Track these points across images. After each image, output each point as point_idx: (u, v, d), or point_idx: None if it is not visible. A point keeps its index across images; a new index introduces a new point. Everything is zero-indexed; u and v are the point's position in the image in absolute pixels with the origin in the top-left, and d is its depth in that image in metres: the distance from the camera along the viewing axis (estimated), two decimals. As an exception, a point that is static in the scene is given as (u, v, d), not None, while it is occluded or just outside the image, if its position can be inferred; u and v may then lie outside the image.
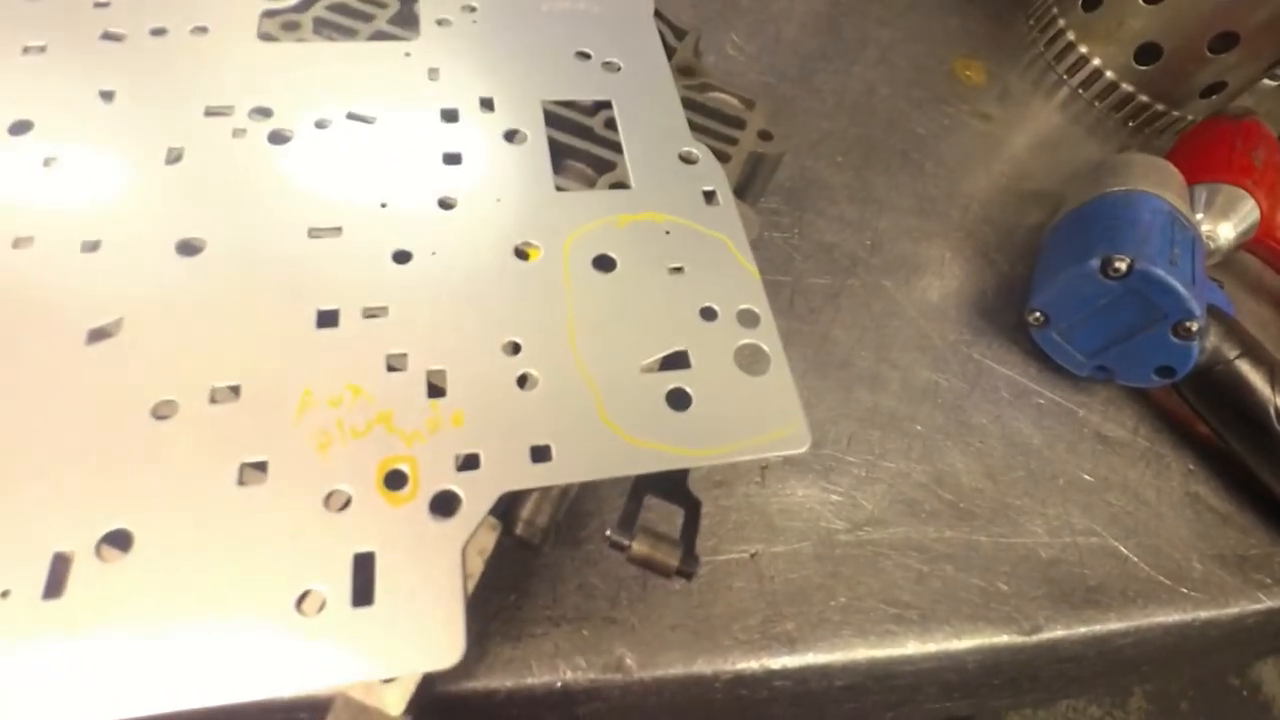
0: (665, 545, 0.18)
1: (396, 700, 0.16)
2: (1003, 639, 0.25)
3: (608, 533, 0.18)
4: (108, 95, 0.24)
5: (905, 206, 0.38)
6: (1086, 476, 0.31)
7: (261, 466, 0.18)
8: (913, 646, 0.24)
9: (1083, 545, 0.29)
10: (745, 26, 0.42)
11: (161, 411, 0.18)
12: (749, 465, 0.27)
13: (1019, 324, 0.35)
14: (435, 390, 0.19)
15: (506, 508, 0.19)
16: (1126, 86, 0.47)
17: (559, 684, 0.21)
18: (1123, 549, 0.29)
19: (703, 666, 0.22)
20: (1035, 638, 0.26)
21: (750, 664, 0.22)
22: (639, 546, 0.18)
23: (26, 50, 0.25)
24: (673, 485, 0.20)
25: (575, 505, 0.24)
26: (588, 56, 0.28)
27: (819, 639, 0.23)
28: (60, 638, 0.15)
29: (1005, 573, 0.27)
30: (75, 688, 0.15)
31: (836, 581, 0.25)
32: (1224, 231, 0.38)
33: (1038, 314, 0.33)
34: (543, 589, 0.22)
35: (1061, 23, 0.48)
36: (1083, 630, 0.27)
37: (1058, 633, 0.26)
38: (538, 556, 0.22)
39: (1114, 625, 0.27)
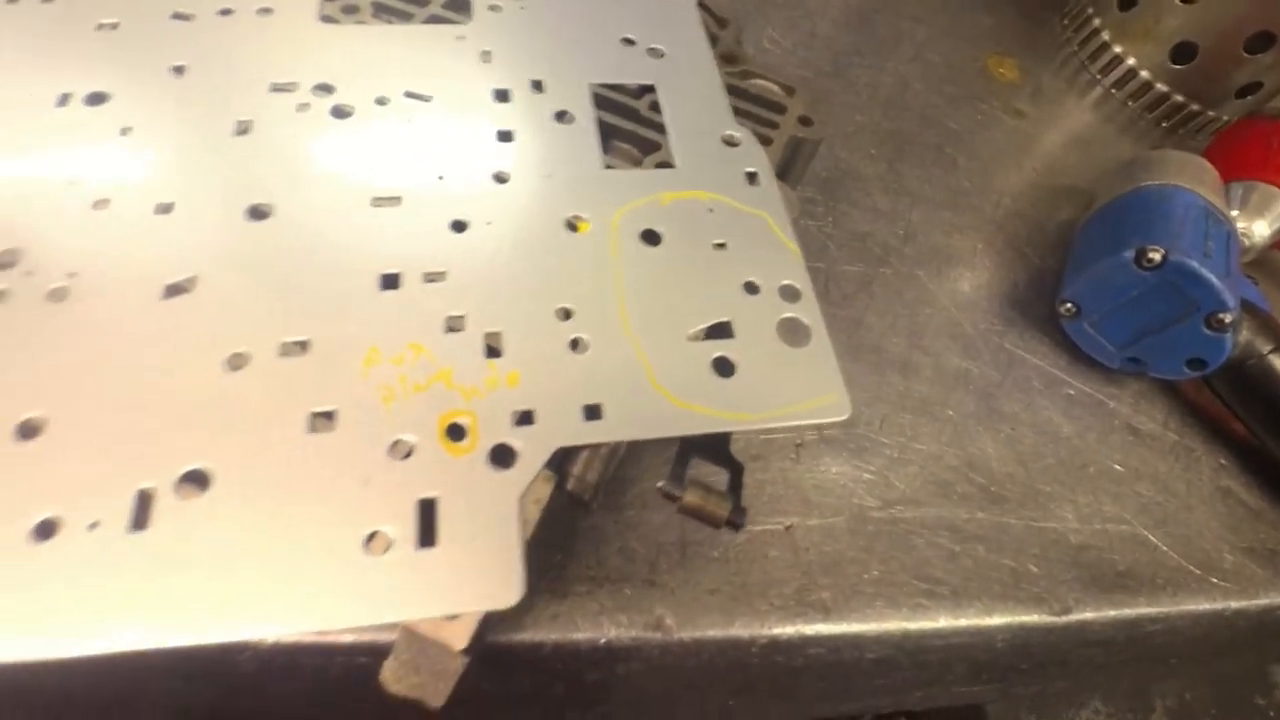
0: (715, 497, 0.19)
1: (460, 636, 0.16)
2: (1033, 618, 0.26)
3: (660, 484, 0.19)
4: (179, 70, 0.25)
5: (938, 199, 0.39)
6: (1117, 466, 0.32)
7: (330, 416, 0.19)
8: (945, 620, 0.25)
9: (1112, 532, 0.29)
10: (781, 21, 0.43)
11: (235, 363, 0.19)
12: (784, 441, 0.27)
13: (1050, 316, 0.35)
14: (492, 351, 0.20)
15: (559, 464, 0.19)
16: (1161, 86, 0.47)
17: (602, 640, 0.21)
18: (1152, 538, 0.30)
19: (740, 630, 0.22)
20: (1065, 618, 0.26)
21: (786, 629, 0.23)
22: (690, 497, 0.19)
23: (100, 27, 0.26)
24: (716, 449, 0.21)
25: (617, 472, 0.24)
26: (632, 43, 0.29)
27: (853, 609, 0.24)
28: (145, 567, 0.16)
29: (1035, 555, 0.27)
30: (158, 614, 0.16)
31: (870, 556, 0.25)
32: (1259, 229, 0.38)
33: (1070, 305, 0.33)
34: (586, 550, 0.23)
35: (1097, 22, 0.48)
36: (1112, 613, 0.27)
37: (1088, 614, 0.26)
38: (586, 515, 0.23)
39: (1144, 610, 0.27)
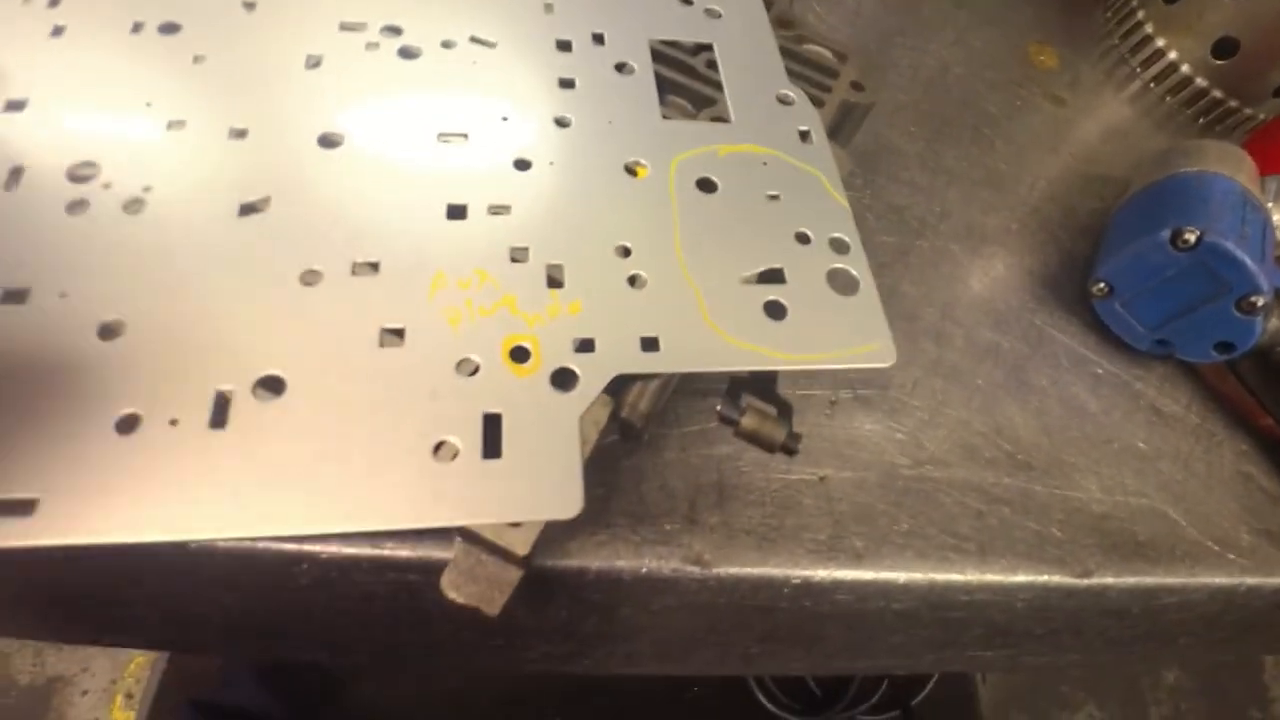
0: (771, 422, 0.19)
1: (523, 542, 0.17)
2: (1055, 579, 0.26)
3: (718, 408, 0.20)
4: (250, 5, 0.26)
5: (974, 179, 0.39)
6: (1140, 444, 0.32)
7: (399, 333, 0.19)
8: (971, 574, 0.25)
9: (1133, 505, 0.30)
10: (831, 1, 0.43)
11: (308, 279, 0.20)
12: (820, 397, 0.28)
13: (1079, 298, 0.36)
14: (553, 282, 0.21)
15: (614, 392, 0.20)
16: (1200, 81, 0.47)
17: (644, 570, 0.22)
18: (1172, 513, 0.30)
19: (774, 569, 0.23)
20: (1085, 581, 0.27)
21: (818, 572, 0.24)
22: (748, 421, 0.19)
23: (176, -40, 0.26)
24: (764, 386, 0.21)
25: (659, 413, 0.25)
26: (690, 2, 0.29)
27: (883, 557, 0.24)
28: (224, 462, 0.17)
29: (1059, 520, 0.28)
30: (235, 507, 0.17)
31: (899, 510, 0.26)
32: (1291, 224, 0.39)
33: (1102, 284, 0.34)
34: (628, 486, 0.24)
35: (1140, 14, 0.48)
36: (1131, 580, 0.27)
37: (1107, 579, 0.27)
38: (635, 445, 0.24)
39: (1162, 579, 0.28)
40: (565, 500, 0.17)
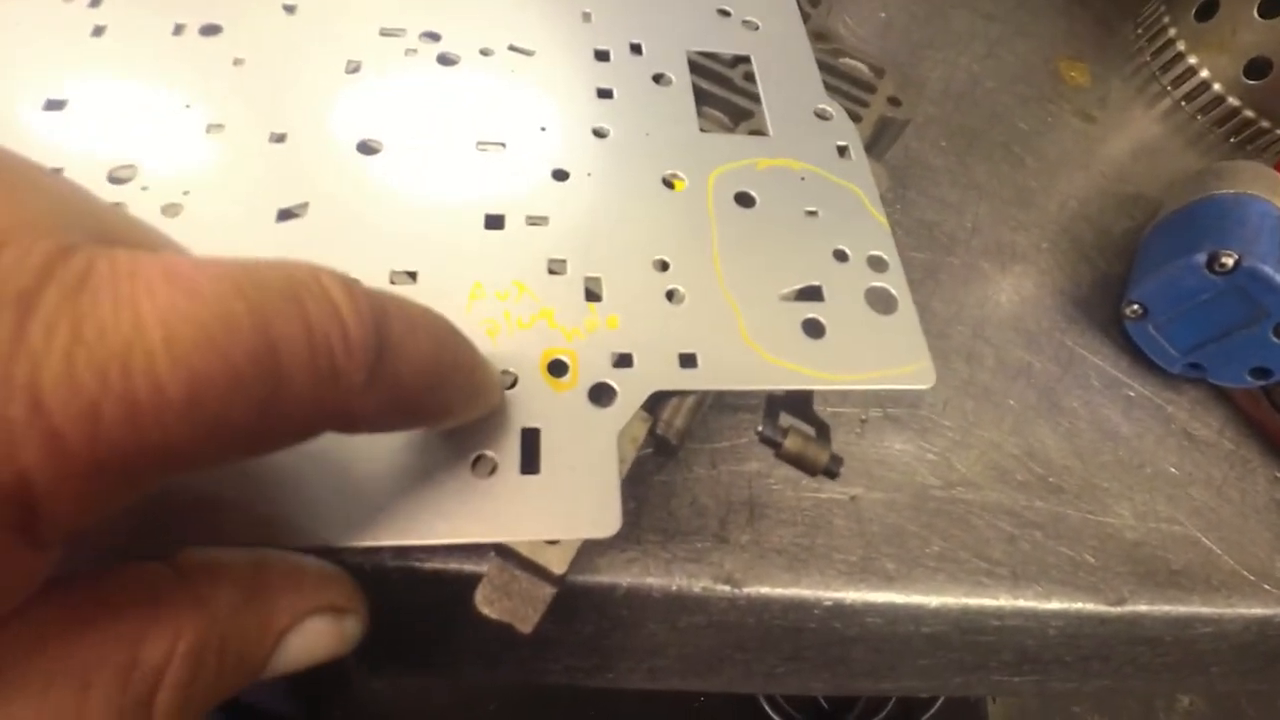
0: (814, 445, 0.19)
1: (560, 561, 0.17)
2: (1089, 606, 0.26)
3: (759, 429, 0.19)
4: (290, 9, 0.26)
5: (1005, 196, 0.39)
6: (1172, 469, 0.32)
7: (437, 344, 0.19)
8: (1004, 599, 0.25)
9: (1166, 532, 0.29)
10: (858, 10, 0.43)
11: (347, 287, 0.20)
12: (850, 416, 0.28)
13: (1112, 319, 0.35)
14: (591, 295, 0.21)
15: (650, 408, 0.20)
16: (1232, 100, 0.46)
17: (674, 588, 0.22)
18: (1205, 540, 0.30)
19: (805, 590, 0.23)
20: (1119, 609, 0.26)
21: (849, 594, 0.23)
22: (792, 443, 0.19)
23: (216, -38, 0.26)
24: (801, 406, 0.21)
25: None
26: (728, 14, 0.29)
27: (915, 580, 0.24)
28: (258, 473, 0.17)
29: (1092, 547, 0.28)
30: (273, 518, 0.17)
31: (931, 532, 0.26)
32: (1326, 248, 0.38)
33: (1136, 306, 0.33)
34: (659, 501, 0.23)
35: (1172, 31, 0.48)
36: (1166, 609, 0.27)
37: (1142, 608, 0.27)
38: (672, 458, 0.23)
39: (1198, 609, 0.27)
40: (603, 519, 0.17)
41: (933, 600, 0.24)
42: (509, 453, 0.18)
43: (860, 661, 0.27)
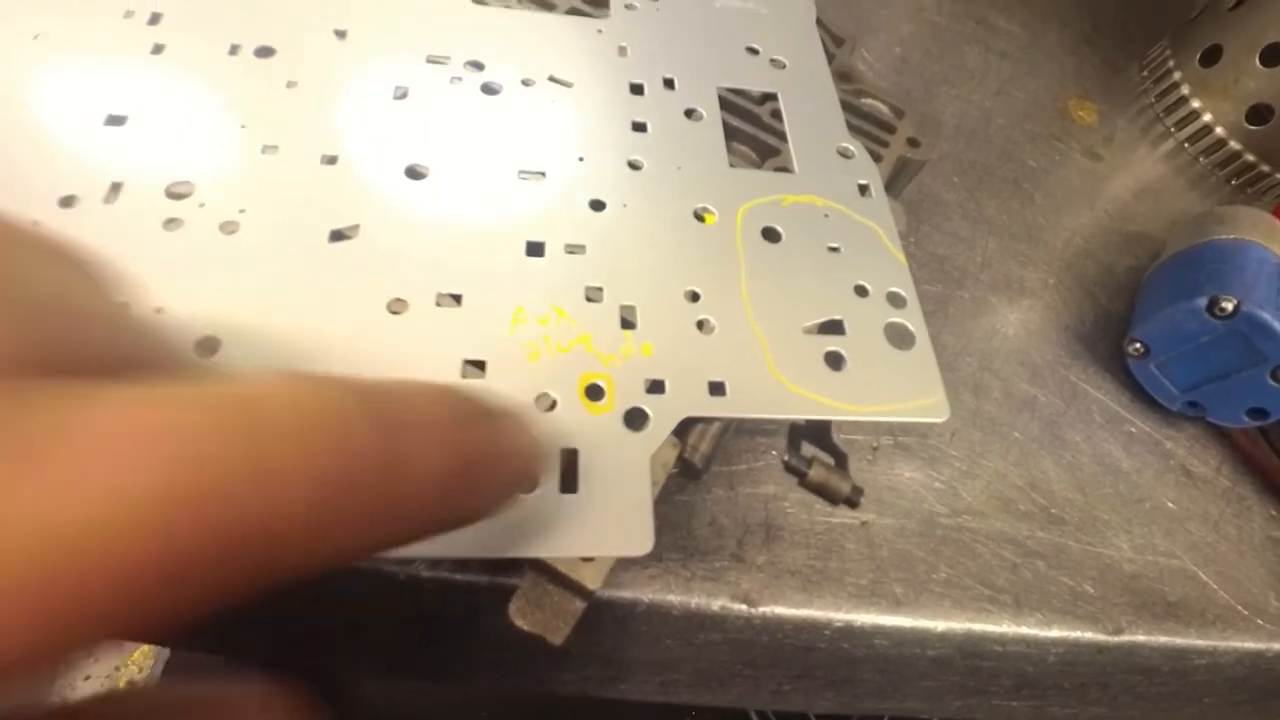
0: (837, 476, 0.20)
1: (595, 577, 0.18)
2: (1088, 635, 0.27)
3: (785, 458, 0.20)
4: (341, 34, 0.27)
5: (1013, 231, 0.40)
6: (1170, 504, 0.33)
7: (480, 365, 0.20)
8: (1006, 626, 0.26)
9: (1164, 565, 0.30)
10: (876, 45, 0.44)
11: (394, 307, 0.21)
12: (862, 444, 0.29)
13: (1114, 355, 0.36)
14: (626, 323, 0.22)
15: (679, 433, 0.21)
16: (1234, 144, 0.48)
17: (693, 605, 0.23)
18: (1202, 575, 0.31)
19: (818, 611, 0.24)
20: (1117, 639, 0.27)
21: (860, 616, 0.24)
22: (816, 473, 0.20)
23: (268, -13, 0.28)
24: (820, 435, 0.22)
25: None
26: (756, 52, 0.30)
27: (923, 605, 0.25)
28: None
29: (1092, 577, 0.29)
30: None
31: (938, 558, 0.27)
32: (1323, 293, 0.39)
33: (1138, 345, 0.35)
34: (680, 521, 0.24)
35: (1177, 75, 0.49)
36: (1163, 640, 0.28)
37: (1139, 638, 0.28)
38: (694, 480, 0.24)
39: (1194, 641, 0.28)
40: (636, 538, 0.18)
41: (939, 625, 0.25)
42: (549, 472, 0.19)
43: (866, 682, 0.28)
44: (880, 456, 0.29)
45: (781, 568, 0.24)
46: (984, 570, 0.27)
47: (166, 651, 0.94)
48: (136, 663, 0.93)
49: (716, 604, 0.23)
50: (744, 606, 0.23)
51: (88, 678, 0.91)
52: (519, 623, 0.19)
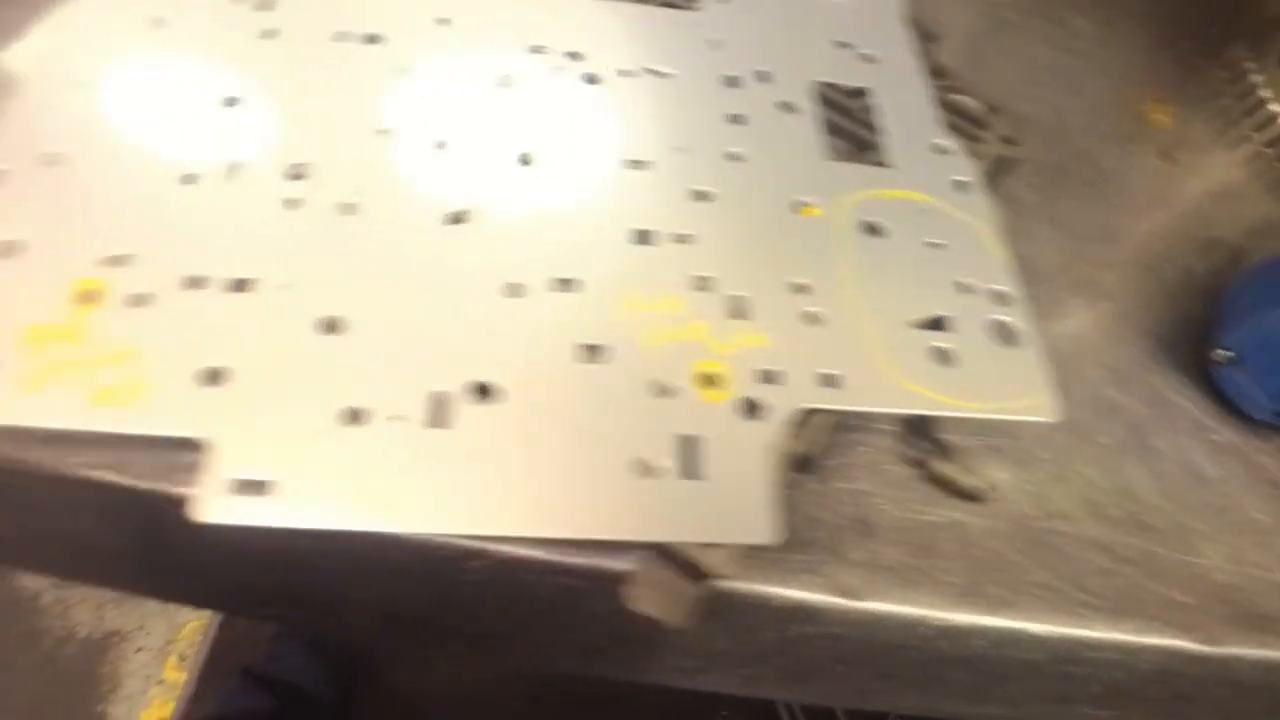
0: (962, 470, 0.20)
1: (725, 563, 0.18)
2: (1181, 644, 0.26)
3: (908, 451, 0.20)
4: (444, 21, 0.27)
5: (1090, 234, 0.39)
6: (1259, 516, 0.32)
7: (597, 350, 0.20)
8: (1100, 630, 0.25)
9: (1257, 578, 0.30)
10: (949, 41, 0.44)
11: (511, 291, 0.21)
12: (955, 445, 0.28)
13: (1195, 361, 0.36)
14: (736, 313, 0.22)
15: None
16: (1316, 150, 0.47)
17: (792, 596, 0.23)
18: (1295, 588, 0.30)
19: (916, 609, 0.23)
20: (1211, 649, 0.27)
21: (959, 615, 0.24)
22: (939, 466, 0.20)
23: (370, -25, 0.28)
24: (927, 430, 0.22)
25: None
26: (848, 46, 0.30)
27: (1020, 606, 0.25)
28: (440, 461, 0.18)
29: (1184, 586, 0.28)
30: (451, 505, 0.18)
31: (1031, 561, 0.26)
32: None
33: (1226, 352, 0.34)
34: (776, 514, 0.24)
35: (1256, 77, 0.48)
36: (1260, 653, 0.27)
37: (1234, 650, 0.27)
38: (810, 472, 0.24)
39: (1290, 655, 0.28)
40: (767, 527, 0.18)
41: (1035, 627, 0.24)
42: (670, 458, 0.19)
43: (954, 683, 0.27)
44: (969, 455, 0.28)
45: (879, 563, 0.24)
46: (1077, 574, 0.26)
47: (214, 629, 0.96)
48: (187, 638, 0.95)
49: (815, 597, 0.23)
50: (844, 600, 0.23)
51: (140, 650, 0.93)
52: (639, 606, 0.19)
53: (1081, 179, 0.42)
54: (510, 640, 0.27)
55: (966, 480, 0.20)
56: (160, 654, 0.94)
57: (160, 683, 0.92)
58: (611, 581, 0.21)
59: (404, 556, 0.22)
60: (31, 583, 0.99)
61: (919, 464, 0.20)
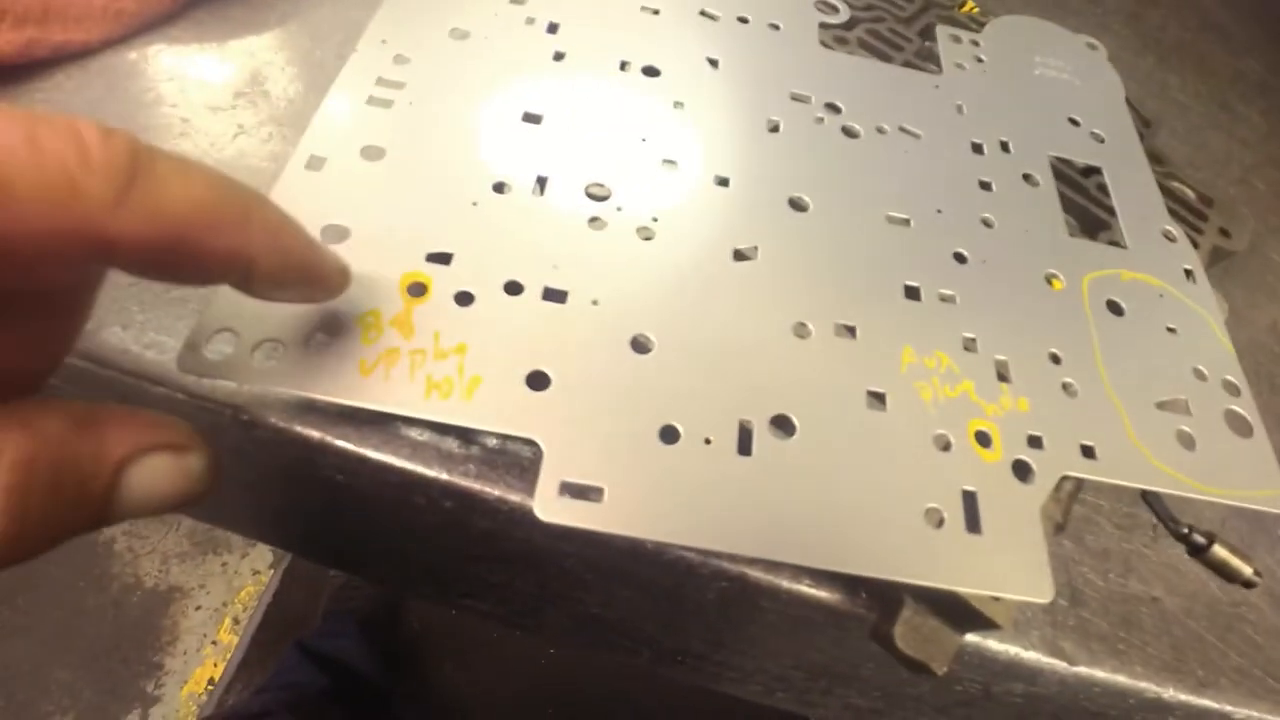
0: (1240, 555, 0.21)
1: (1005, 616, 0.19)
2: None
3: (1185, 530, 0.21)
4: (714, 63, 0.29)
5: (1269, 326, 0.40)
6: None
7: (881, 398, 0.21)
8: (1285, 719, 0.26)
9: None
10: (1183, 128, 0.45)
11: (799, 331, 0.22)
12: (1144, 519, 0.29)
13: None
14: (1001, 376, 0.23)
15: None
16: None
17: (1012, 654, 0.24)
18: None
19: (1127, 679, 0.24)
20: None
21: (1168, 691, 0.25)
22: (1219, 550, 0.21)
23: (643, 9, 0.30)
24: (1161, 508, 0.23)
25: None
26: (1077, 123, 0.31)
27: (1222, 689, 0.25)
28: (746, 486, 0.19)
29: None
30: (754, 529, 0.19)
31: (1226, 644, 0.27)
32: None
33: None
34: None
35: None
36: None
37: None
38: (1059, 534, 0.25)
39: None
40: (1040, 585, 0.19)
41: (1239, 711, 0.25)
42: (955, 510, 0.20)
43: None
44: (1160, 535, 0.29)
45: (1090, 632, 0.25)
46: (1270, 662, 0.27)
47: (269, 597, 0.98)
48: (243, 602, 0.98)
49: (1032, 658, 0.24)
50: (1062, 663, 0.24)
51: (199, 608, 0.96)
52: (905, 650, 0.20)
53: (1252, 269, 0.42)
54: (703, 659, 0.28)
55: (1242, 567, 0.21)
56: (217, 614, 0.97)
57: (215, 643, 0.95)
58: (853, 619, 0.23)
59: (653, 572, 0.23)
60: (108, 528, 1.03)
61: (1196, 547, 0.21)
